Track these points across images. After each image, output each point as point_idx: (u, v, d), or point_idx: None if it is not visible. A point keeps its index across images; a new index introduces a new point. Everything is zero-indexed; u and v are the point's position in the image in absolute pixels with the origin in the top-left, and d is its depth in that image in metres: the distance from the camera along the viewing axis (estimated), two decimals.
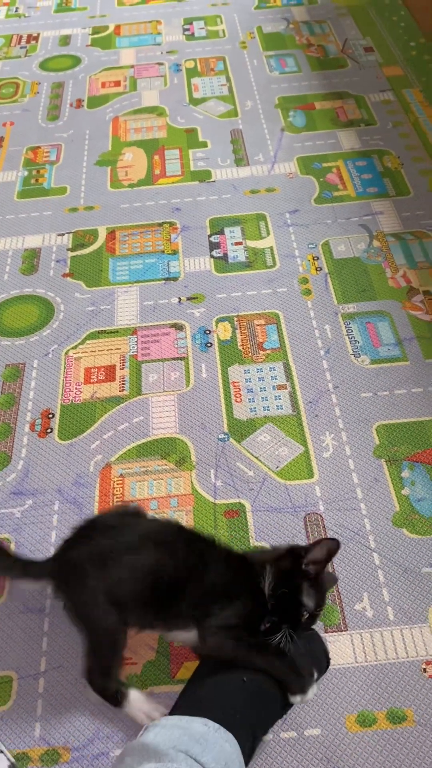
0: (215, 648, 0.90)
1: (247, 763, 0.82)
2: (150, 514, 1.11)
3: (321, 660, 0.95)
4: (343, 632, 1.03)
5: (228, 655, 0.90)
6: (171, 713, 0.87)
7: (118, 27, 2.48)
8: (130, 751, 0.77)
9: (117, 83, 2.21)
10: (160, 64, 2.29)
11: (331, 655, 0.98)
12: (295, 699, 0.89)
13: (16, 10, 2.62)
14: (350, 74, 2.18)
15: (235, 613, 0.91)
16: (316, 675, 0.92)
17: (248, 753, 0.83)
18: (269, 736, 0.93)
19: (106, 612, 0.92)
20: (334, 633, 1.03)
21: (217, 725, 0.80)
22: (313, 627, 0.96)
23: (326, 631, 1.03)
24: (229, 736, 0.80)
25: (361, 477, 1.21)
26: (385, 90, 2.11)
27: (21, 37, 2.47)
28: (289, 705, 0.91)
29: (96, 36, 2.44)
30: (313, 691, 0.90)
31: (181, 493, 1.20)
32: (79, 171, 1.89)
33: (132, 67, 2.28)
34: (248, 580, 0.93)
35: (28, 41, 2.44)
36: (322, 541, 0.93)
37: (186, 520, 1.16)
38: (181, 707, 0.87)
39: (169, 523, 1.02)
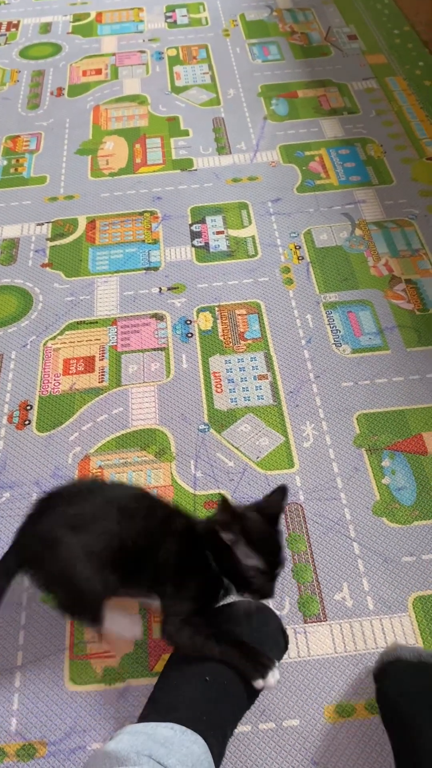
0: (172, 637, 0.89)
1: (218, 762, 0.81)
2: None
3: (278, 641, 0.93)
4: (323, 622, 1.02)
5: (185, 645, 0.88)
6: (138, 722, 0.85)
7: (99, 14, 2.45)
8: (92, 761, 0.76)
9: (98, 71, 2.18)
10: (142, 52, 2.26)
11: (308, 644, 0.98)
12: (258, 684, 0.86)
13: None
14: (333, 62, 2.16)
15: (190, 594, 0.89)
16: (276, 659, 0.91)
17: (219, 752, 0.82)
18: (248, 728, 0.93)
19: (87, 574, 0.88)
20: (314, 623, 1.02)
21: (183, 728, 0.78)
22: (269, 606, 0.97)
23: (306, 622, 1.02)
24: (197, 737, 0.78)
25: (342, 466, 1.20)
26: (368, 78, 2.09)
27: (1, 24, 2.43)
28: (256, 694, 0.90)
29: (77, 23, 2.41)
30: (275, 676, 0.87)
31: (161, 485, 1.19)
32: (59, 160, 1.86)
33: (113, 55, 2.25)
34: (201, 553, 0.91)
35: (7, 29, 2.40)
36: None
37: None
38: (147, 716, 0.85)
39: (133, 488, 0.99)
